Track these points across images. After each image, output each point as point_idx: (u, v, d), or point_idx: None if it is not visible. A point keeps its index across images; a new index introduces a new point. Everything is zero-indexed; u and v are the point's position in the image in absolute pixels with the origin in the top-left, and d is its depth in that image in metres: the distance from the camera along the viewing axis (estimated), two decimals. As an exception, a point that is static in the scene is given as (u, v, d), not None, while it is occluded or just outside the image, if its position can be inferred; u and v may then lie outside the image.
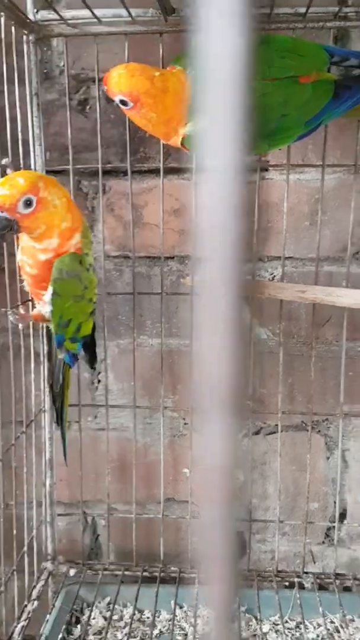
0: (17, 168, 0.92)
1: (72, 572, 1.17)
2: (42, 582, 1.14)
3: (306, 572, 1.13)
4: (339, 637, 1.05)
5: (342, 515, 1.19)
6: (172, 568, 1.16)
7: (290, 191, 1.02)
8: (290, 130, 0.87)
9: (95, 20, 0.95)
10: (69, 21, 0.97)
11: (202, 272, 0.27)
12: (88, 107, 1.11)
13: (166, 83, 0.82)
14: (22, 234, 0.85)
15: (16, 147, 0.99)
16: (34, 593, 1.10)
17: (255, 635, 1.07)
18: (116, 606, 1.12)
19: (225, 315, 0.26)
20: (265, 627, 1.08)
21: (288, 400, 1.15)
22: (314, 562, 1.21)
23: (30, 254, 0.86)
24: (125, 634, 1.08)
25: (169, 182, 1.09)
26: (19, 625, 1.02)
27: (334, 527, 1.18)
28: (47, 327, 1.01)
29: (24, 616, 1.04)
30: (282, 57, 0.84)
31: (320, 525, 1.20)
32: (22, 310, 0.97)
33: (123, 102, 0.84)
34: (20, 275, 0.93)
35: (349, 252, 1.04)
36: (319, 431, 1.17)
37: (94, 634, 1.08)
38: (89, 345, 1.04)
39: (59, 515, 1.22)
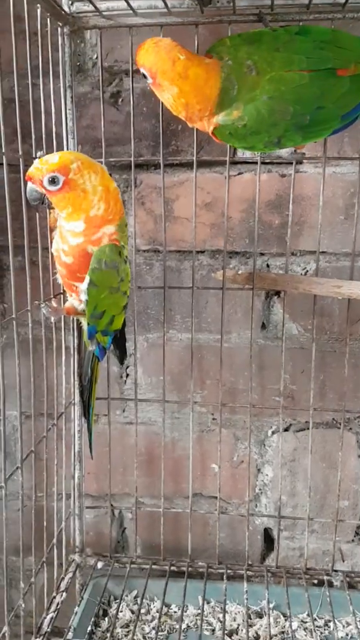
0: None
1: (99, 564, 1.17)
2: (70, 574, 1.15)
3: (335, 570, 1.12)
4: (369, 636, 1.04)
5: (372, 514, 1.18)
6: (200, 563, 1.16)
7: (325, 184, 1.01)
8: (326, 123, 0.85)
9: (130, 11, 0.94)
10: (104, 13, 0.96)
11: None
12: (120, 99, 1.10)
13: (187, 70, 0.81)
14: (58, 219, 0.86)
15: (50, 140, 0.99)
16: (62, 585, 1.11)
17: (283, 632, 1.07)
18: (143, 600, 1.12)
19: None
20: (294, 625, 1.07)
21: (319, 397, 1.14)
22: (343, 560, 1.20)
23: (64, 238, 0.86)
24: (153, 628, 1.08)
25: (201, 175, 1.08)
26: (48, 617, 1.03)
27: (363, 525, 1.17)
28: (78, 321, 1.01)
29: (53, 608, 1.05)
30: (321, 49, 0.82)
31: (350, 523, 1.18)
32: (54, 304, 0.97)
33: (144, 75, 0.84)
34: (54, 268, 0.93)
35: (384, 247, 1.02)
36: (351, 429, 1.15)
37: (122, 627, 1.09)
38: (119, 340, 1.04)
39: (87, 507, 1.22)
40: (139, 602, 1.12)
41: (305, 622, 1.09)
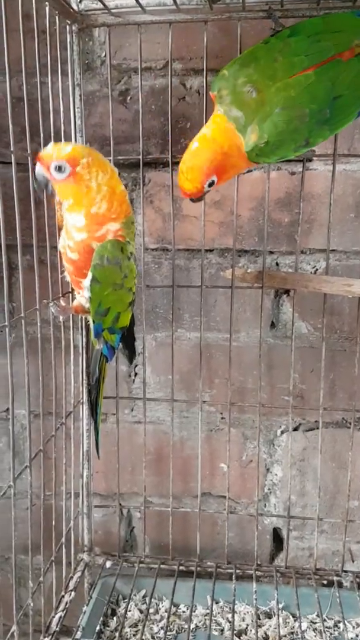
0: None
1: (108, 564, 1.17)
2: (78, 574, 1.15)
3: (345, 571, 1.12)
4: (379, 637, 1.03)
5: (382, 514, 1.17)
6: (209, 563, 1.15)
7: (335, 182, 1.00)
8: (347, 109, 0.83)
9: (139, 9, 0.94)
10: (113, 10, 0.96)
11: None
12: (129, 97, 1.10)
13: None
14: (62, 210, 0.86)
15: (58, 138, 0.99)
16: (71, 584, 1.11)
17: (292, 632, 1.06)
18: (152, 599, 1.11)
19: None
20: (304, 625, 1.07)
21: (329, 396, 1.13)
22: (353, 561, 1.19)
23: (69, 233, 0.85)
24: (161, 627, 1.08)
25: (210, 173, 1.07)
26: (57, 616, 1.03)
27: (373, 526, 1.16)
28: (86, 320, 1.01)
29: (61, 607, 1.05)
30: (317, 41, 0.81)
31: (360, 523, 1.18)
32: (62, 302, 0.96)
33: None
34: (62, 266, 0.93)
35: (394, 246, 1.02)
36: (360, 428, 1.15)
37: (130, 627, 1.09)
38: (128, 338, 1.03)
39: (96, 507, 1.22)
40: (147, 601, 1.11)
41: (315, 623, 1.08)
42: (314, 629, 1.07)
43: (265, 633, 1.06)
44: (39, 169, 0.83)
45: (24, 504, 0.90)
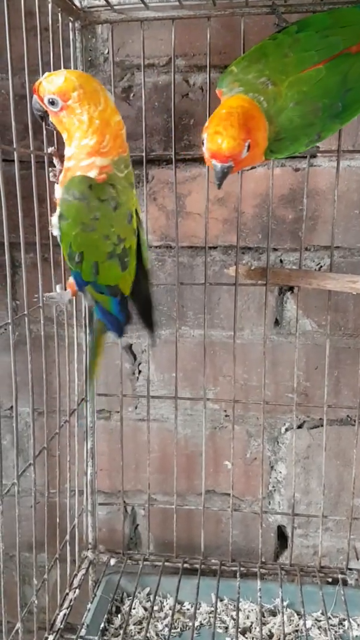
0: (62, 157, 0.91)
1: (112, 561, 1.17)
2: (82, 571, 1.15)
3: (350, 569, 1.11)
4: (384, 635, 1.03)
5: (387, 512, 1.17)
6: (213, 560, 1.15)
7: (339, 178, 0.99)
8: (358, 102, 0.83)
9: (142, 5, 0.94)
10: (116, 7, 0.96)
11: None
12: (132, 94, 1.09)
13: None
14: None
15: (61, 136, 0.98)
16: (75, 581, 1.11)
17: (297, 630, 1.06)
18: (156, 597, 1.11)
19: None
20: (308, 623, 1.07)
21: (333, 393, 1.13)
22: (358, 559, 1.18)
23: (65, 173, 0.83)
24: (166, 625, 1.08)
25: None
26: (61, 613, 1.03)
27: (378, 523, 1.15)
28: (91, 309, 0.98)
29: (66, 604, 1.05)
30: (326, 36, 0.81)
31: (364, 521, 1.17)
32: (58, 289, 0.94)
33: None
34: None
35: None
36: (365, 426, 1.14)
37: (135, 624, 1.09)
38: (145, 316, 0.95)
39: (100, 504, 1.22)
40: (151, 599, 1.11)
41: (320, 621, 1.08)
42: (319, 627, 1.07)
43: (270, 631, 1.06)
44: (35, 100, 0.81)
45: (28, 501, 0.91)
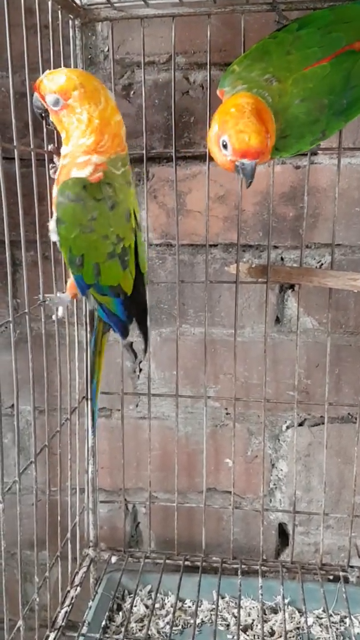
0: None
1: (113, 559, 1.17)
2: (84, 569, 1.15)
3: (351, 566, 1.12)
4: (386, 633, 1.03)
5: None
6: (214, 558, 1.16)
7: (340, 175, 0.99)
8: None
9: (142, 2, 0.93)
10: (115, 4, 0.95)
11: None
12: (132, 92, 1.09)
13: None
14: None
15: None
16: (77, 579, 1.12)
17: (299, 628, 1.06)
18: (157, 594, 1.11)
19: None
20: (310, 620, 1.07)
21: (334, 391, 1.13)
22: (359, 556, 1.18)
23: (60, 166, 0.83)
24: (167, 623, 1.08)
25: (214, 167, 1.06)
26: (63, 611, 1.03)
27: (379, 521, 1.15)
28: (92, 312, 0.99)
29: (67, 602, 1.05)
30: (328, 33, 0.80)
31: (365, 519, 1.17)
32: (55, 293, 0.94)
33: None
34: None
35: None
36: (366, 423, 1.14)
37: (136, 622, 1.09)
38: (141, 323, 0.96)
39: (101, 502, 1.22)
40: (153, 596, 1.12)
41: (321, 618, 1.08)
42: (320, 624, 1.07)
43: (271, 628, 1.06)
44: (36, 97, 0.81)
45: (29, 499, 0.91)
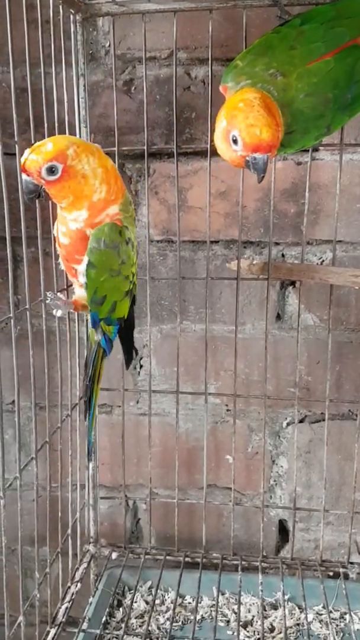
0: None
1: (114, 555, 1.17)
2: (84, 565, 1.15)
3: (351, 563, 1.12)
4: (385, 629, 1.03)
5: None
6: (214, 554, 1.16)
7: (342, 172, 0.99)
8: None
9: (143, -3, 0.93)
10: (117, -1, 0.95)
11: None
12: (133, 87, 1.09)
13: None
14: (58, 209, 0.84)
15: (62, 129, 0.98)
16: (77, 575, 1.12)
17: (298, 624, 1.06)
18: (158, 591, 1.11)
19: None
20: (310, 617, 1.07)
21: (335, 388, 1.13)
22: (359, 553, 1.18)
23: (62, 221, 0.83)
24: (167, 619, 1.08)
25: (215, 163, 1.06)
26: (63, 607, 1.03)
27: (379, 517, 1.15)
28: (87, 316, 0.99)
29: (68, 598, 1.05)
30: (332, 27, 0.80)
31: (366, 515, 1.17)
32: (61, 296, 0.94)
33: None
34: (57, 252, 0.91)
35: None
36: (367, 420, 1.14)
37: (136, 618, 1.09)
38: (126, 339, 0.99)
39: (101, 498, 1.22)
40: (153, 592, 1.12)
41: (321, 615, 1.08)
42: (320, 621, 1.07)
43: (271, 624, 1.06)
44: (26, 179, 0.77)
45: (30, 495, 0.91)
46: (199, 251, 1.13)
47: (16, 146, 0.79)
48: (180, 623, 1.09)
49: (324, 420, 1.10)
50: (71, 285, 1.01)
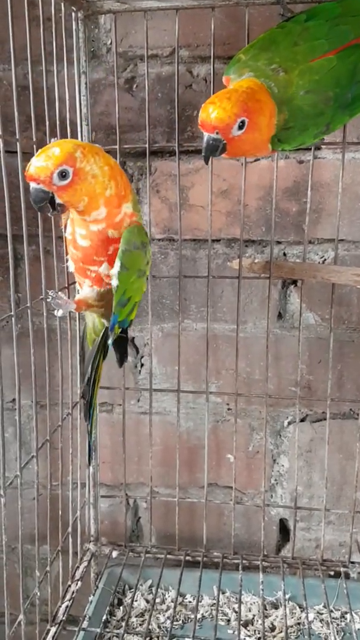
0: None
1: (114, 554, 1.17)
2: (85, 563, 1.15)
3: (352, 562, 1.11)
4: (386, 629, 1.03)
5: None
6: (215, 553, 1.16)
7: (344, 170, 0.99)
8: None
9: (145, -6, 0.93)
10: (119, -4, 0.95)
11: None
12: (135, 85, 1.09)
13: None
14: (72, 214, 0.83)
15: (64, 127, 0.98)
16: (78, 574, 1.12)
17: (299, 623, 1.06)
18: (158, 589, 1.11)
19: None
20: (310, 616, 1.07)
21: (336, 387, 1.12)
22: (360, 552, 1.19)
23: (81, 224, 0.81)
24: (168, 618, 1.08)
25: (217, 161, 1.05)
26: (64, 605, 1.03)
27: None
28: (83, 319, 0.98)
29: (68, 596, 1.05)
30: (336, 25, 0.80)
31: (367, 515, 1.17)
32: (62, 295, 0.93)
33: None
34: (66, 254, 0.91)
35: None
36: (368, 419, 1.14)
37: (137, 616, 1.09)
38: (120, 340, 0.96)
39: (102, 497, 1.22)
40: (153, 591, 1.11)
41: (322, 614, 1.08)
42: (321, 620, 1.07)
43: (272, 623, 1.06)
44: (36, 188, 0.74)
45: (30, 494, 0.91)
46: (200, 250, 1.13)
47: (17, 144, 0.79)
48: (180, 622, 1.09)
49: (325, 419, 1.10)
50: (73, 283, 1.00)
